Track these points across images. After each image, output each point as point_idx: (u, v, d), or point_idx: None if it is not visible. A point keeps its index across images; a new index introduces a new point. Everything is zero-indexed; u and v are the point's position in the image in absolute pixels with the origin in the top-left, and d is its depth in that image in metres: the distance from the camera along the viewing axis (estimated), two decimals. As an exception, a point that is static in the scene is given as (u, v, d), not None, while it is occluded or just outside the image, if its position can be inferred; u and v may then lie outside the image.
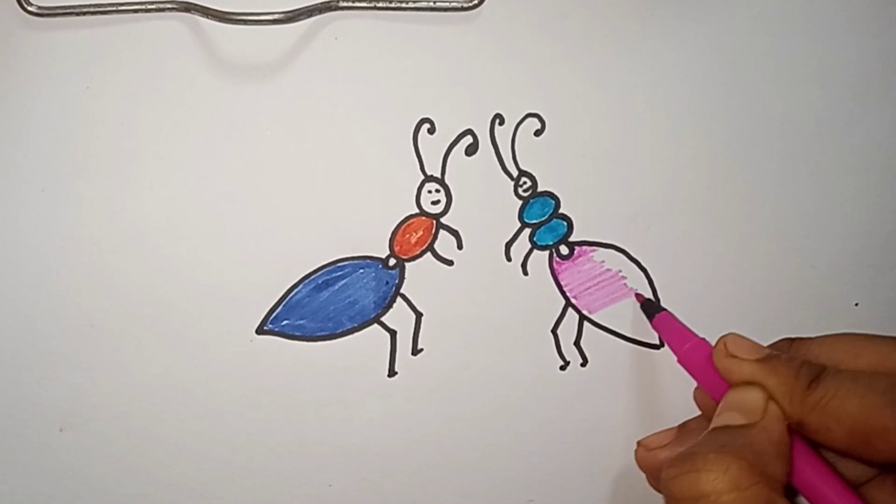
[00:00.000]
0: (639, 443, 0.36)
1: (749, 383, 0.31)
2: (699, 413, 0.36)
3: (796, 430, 0.30)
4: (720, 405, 0.32)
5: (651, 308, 0.37)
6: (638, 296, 0.38)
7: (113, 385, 0.35)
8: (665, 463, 0.30)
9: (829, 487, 0.30)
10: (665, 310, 0.37)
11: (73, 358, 0.35)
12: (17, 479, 0.35)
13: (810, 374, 0.30)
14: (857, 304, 0.39)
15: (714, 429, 0.31)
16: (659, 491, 0.34)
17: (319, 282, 0.36)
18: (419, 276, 0.37)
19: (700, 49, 0.37)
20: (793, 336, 0.34)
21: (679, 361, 0.35)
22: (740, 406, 0.31)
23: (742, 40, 0.37)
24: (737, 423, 0.30)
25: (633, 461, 0.37)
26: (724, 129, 0.38)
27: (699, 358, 0.34)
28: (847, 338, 0.33)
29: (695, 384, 0.35)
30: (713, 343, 0.33)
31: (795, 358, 0.31)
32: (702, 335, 0.35)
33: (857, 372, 0.30)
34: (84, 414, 0.35)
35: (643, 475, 0.36)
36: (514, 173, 0.37)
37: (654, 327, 0.37)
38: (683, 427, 0.36)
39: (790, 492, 0.30)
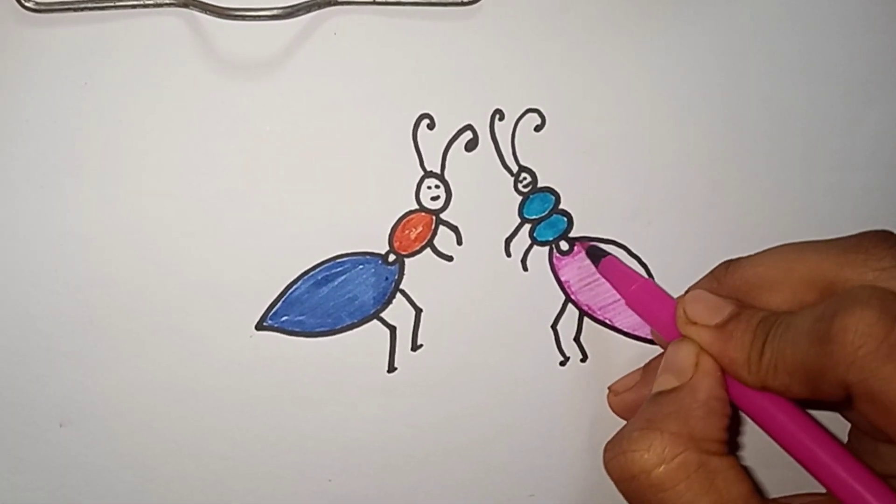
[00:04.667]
0: (609, 388, 0.37)
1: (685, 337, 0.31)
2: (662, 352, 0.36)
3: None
4: (660, 366, 0.32)
5: (597, 254, 0.37)
6: (583, 243, 0.37)
7: (113, 381, 0.35)
8: (606, 447, 0.31)
9: (810, 438, 0.29)
10: (610, 254, 0.37)
11: (73, 354, 0.35)
12: (18, 475, 0.35)
13: (764, 335, 0.29)
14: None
15: (649, 399, 0.31)
16: None
17: (319, 278, 0.36)
18: (419, 271, 0.37)
19: (702, 45, 0.37)
20: (731, 258, 0.34)
21: (627, 304, 0.35)
22: (672, 366, 0.31)
23: (745, 36, 0.37)
24: (669, 386, 0.31)
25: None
26: (726, 126, 0.38)
27: (645, 298, 0.34)
28: (779, 253, 0.32)
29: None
30: (657, 283, 0.35)
31: (754, 316, 0.30)
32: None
33: (793, 317, 0.29)
34: (84, 410, 0.35)
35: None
36: (514, 169, 0.37)
37: (600, 273, 0.37)
38: (647, 367, 0.37)
39: (733, 446, 0.30)
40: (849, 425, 0.34)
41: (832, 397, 0.28)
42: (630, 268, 0.37)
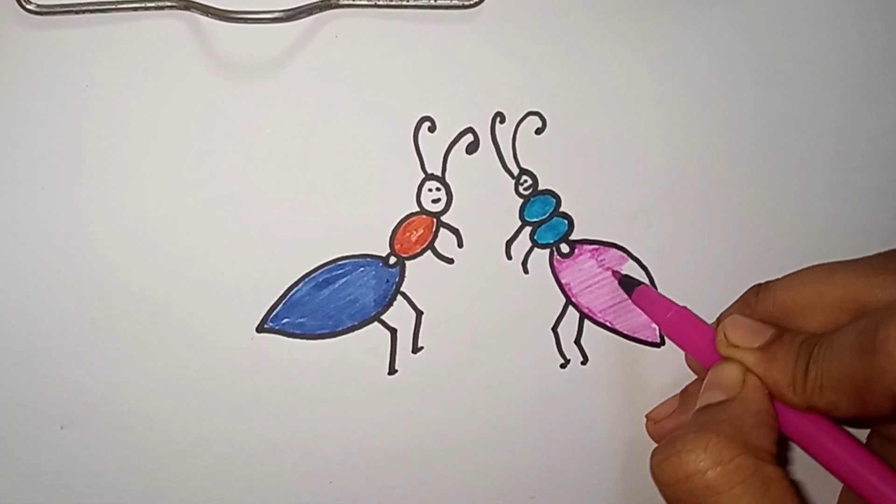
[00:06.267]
0: (647, 416, 0.37)
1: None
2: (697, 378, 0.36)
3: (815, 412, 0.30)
4: (703, 384, 0.32)
5: (630, 283, 0.37)
6: (615, 273, 0.38)
7: (114, 383, 0.35)
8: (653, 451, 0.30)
9: (857, 461, 0.29)
10: (643, 283, 0.37)
11: (74, 356, 0.35)
12: (18, 476, 0.35)
13: (808, 354, 0.29)
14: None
15: (696, 411, 0.31)
16: None
17: (320, 280, 0.36)
18: (420, 274, 0.37)
19: (701, 48, 0.37)
20: (761, 282, 0.34)
21: (663, 331, 0.36)
22: (719, 383, 0.31)
23: (743, 39, 0.37)
24: (717, 400, 0.31)
25: (634, 458, 0.37)
26: (725, 128, 0.38)
27: (682, 326, 0.34)
28: (808, 277, 0.33)
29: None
30: (691, 311, 0.35)
31: (796, 337, 0.31)
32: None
33: (835, 335, 0.29)
34: (85, 411, 0.35)
35: (643, 469, 0.36)
36: (515, 171, 0.37)
37: (634, 302, 0.37)
38: (685, 392, 0.36)
39: (781, 460, 0.30)
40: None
41: (879, 410, 0.28)
42: (664, 296, 0.37)
